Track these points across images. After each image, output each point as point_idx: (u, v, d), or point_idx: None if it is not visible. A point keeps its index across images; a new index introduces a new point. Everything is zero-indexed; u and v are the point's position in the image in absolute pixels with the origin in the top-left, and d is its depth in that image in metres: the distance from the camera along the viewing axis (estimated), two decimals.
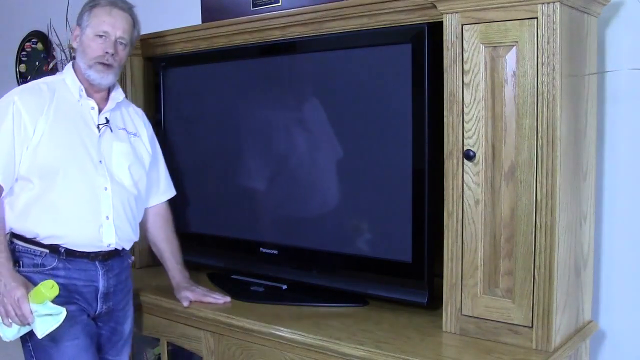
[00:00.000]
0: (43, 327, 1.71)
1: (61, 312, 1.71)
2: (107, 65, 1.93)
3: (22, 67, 3.70)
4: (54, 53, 3.46)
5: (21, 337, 1.81)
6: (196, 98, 2.39)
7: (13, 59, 3.73)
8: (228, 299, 2.08)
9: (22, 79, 3.69)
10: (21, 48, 3.69)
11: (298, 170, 2.13)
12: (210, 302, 2.06)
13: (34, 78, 3.46)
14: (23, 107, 1.84)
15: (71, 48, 2.91)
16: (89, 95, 1.95)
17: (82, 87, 1.94)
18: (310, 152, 2.09)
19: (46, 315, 1.71)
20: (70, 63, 2.01)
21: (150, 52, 2.48)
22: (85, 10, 1.96)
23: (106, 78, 1.94)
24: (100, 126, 1.95)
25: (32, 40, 3.62)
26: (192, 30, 2.32)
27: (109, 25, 1.92)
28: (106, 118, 1.97)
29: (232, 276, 2.31)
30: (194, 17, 2.60)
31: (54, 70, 3.32)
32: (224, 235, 2.35)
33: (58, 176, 1.84)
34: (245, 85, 2.24)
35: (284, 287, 2.16)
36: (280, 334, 1.82)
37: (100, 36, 1.92)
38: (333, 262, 2.04)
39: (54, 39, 3.43)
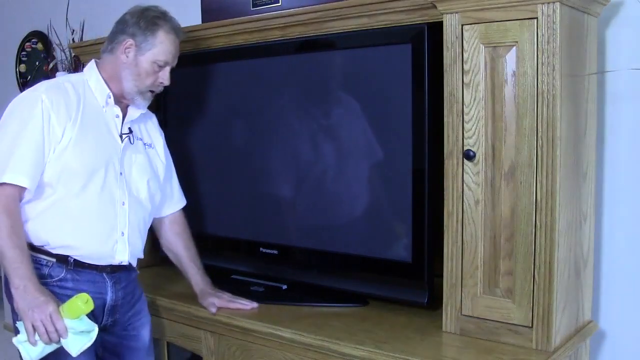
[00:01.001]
0: (77, 345, 1.60)
1: (94, 329, 1.63)
2: (154, 92, 1.90)
3: (22, 67, 3.70)
4: (54, 53, 3.46)
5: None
6: (196, 98, 2.38)
7: (13, 59, 3.73)
8: (255, 304, 2.02)
9: (22, 79, 3.69)
10: (21, 48, 3.69)
11: (298, 170, 2.13)
12: (239, 308, 1.99)
13: (34, 78, 3.47)
14: (52, 107, 1.73)
15: (72, 48, 2.92)
16: (115, 102, 1.86)
17: (110, 93, 1.85)
18: (310, 152, 2.09)
19: (79, 332, 1.61)
20: (93, 63, 1.90)
21: None
22: (146, 29, 1.83)
23: (148, 103, 1.92)
24: (123, 136, 1.86)
25: (32, 40, 3.62)
26: (192, 30, 2.32)
27: (173, 57, 1.88)
28: (129, 128, 1.89)
29: (232, 276, 2.31)
30: (194, 17, 2.60)
31: (53, 70, 3.32)
32: (224, 235, 2.35)
33: (79, 184, 1.75)
34: (245, 86, 2.24)
35: (284, 287, 2.16)
36: (280, 334, 1.82)
37: (160, 65, 1.85)
38: (333, 262, 2.04)
39: (54, 39, 3.43)
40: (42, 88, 1.78)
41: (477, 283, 1.66)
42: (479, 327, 1.67)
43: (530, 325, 1.59)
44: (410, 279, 1.85)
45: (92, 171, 1.77)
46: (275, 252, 2.17)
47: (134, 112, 1.91)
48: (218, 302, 2.00)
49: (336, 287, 2.04)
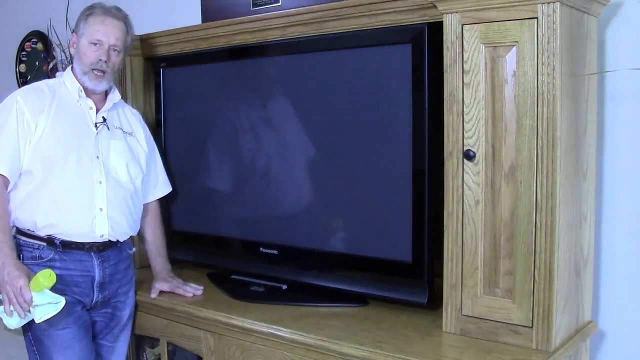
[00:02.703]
0: (41, 313, 1.79)
1: (61, 301, 1.79)
2: (101, 72, 2.03)
3: (22, 67, 3.70)
4: (54, 53, 3.46)
5: (23, 328, 1.90)
6: (196, 98, 2.39)
7: (13, 59, 3.73)
8: (199, 292, 2.17)
9: (22, 79, 3.69)
10: (21, 48, 3.69)
11: (299, 170, 2.13)
12: (180, 294, 2.17)
13: (34, 78, 3.47)
14: (25, 105, 1.96)
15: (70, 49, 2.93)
16: (87, 96, 2.06)
17: (81, 88, 2.05)
18: (311, 152, 2.09)
19: (46, 304, 1.79)
20: (70, 67, 2.12)
21: (150, 52, 2.48)
22: (81, 19, 2.07)
23: (99, 84, 2.05)
24: (98, 124, 2.05)
25: (32, 40, 3.62)
26: (192, 30, 2.32)
27: (103, 34, 2.03)
28: (103, 117, 2.08)
29: (232, 276, 2.31)
30: (194, 17, 2.60)
31: (54, 71, 3.32)
32: (224, 235, 2.35)
33: (57, 167, 1.95)
34: (245, 85, 2.24)
35: (284, 287, 2.16)
36: (280, 334, 1.82)
37: (95, 44, 2.03)
38: (333, 262, 2.04)
39: (54, 39, 3.43)
40: (19, 91, 2.03)
41: (477, 283, 1.66)
42: (479, 327, 1.67)
43: (530, 325, 1.59)
44: (410, 279, 1.85)
45: (66, 156, 1.97)
46: (275, 252, 2.17)
47: (108, 103, 2.11)
48: (168, 286, 2.18)
49: (336, 287, 2.04)
